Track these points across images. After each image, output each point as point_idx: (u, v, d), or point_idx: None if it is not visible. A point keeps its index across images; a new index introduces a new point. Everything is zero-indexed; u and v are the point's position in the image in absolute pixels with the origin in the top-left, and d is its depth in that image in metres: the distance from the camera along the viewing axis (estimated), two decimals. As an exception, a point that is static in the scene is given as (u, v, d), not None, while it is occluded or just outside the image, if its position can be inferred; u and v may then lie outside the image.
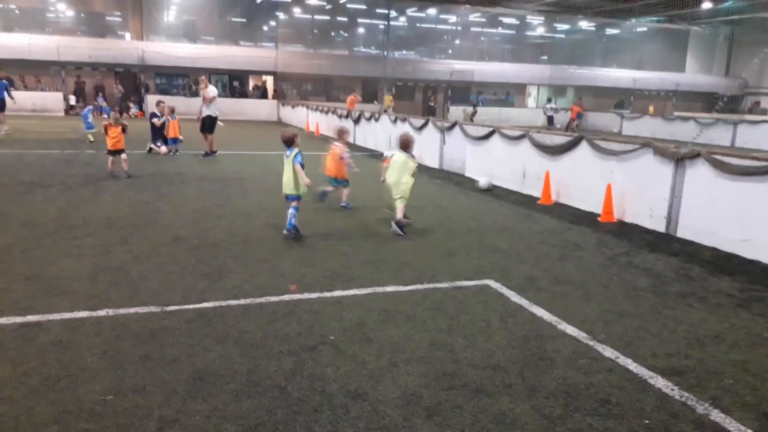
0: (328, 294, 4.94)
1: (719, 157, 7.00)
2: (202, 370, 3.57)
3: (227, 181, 10.62)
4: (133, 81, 31.92)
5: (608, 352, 4.03)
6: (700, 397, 3.45)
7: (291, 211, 6.80)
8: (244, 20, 37.87)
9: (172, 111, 14.71)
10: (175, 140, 14.60)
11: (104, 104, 29.61)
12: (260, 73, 34.64)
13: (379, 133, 17.52)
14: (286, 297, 4.83)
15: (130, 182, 10.16)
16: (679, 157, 7.48)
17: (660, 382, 3.61)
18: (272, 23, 38.02)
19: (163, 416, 3.07)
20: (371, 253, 6.25)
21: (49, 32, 32.20)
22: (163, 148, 14.35)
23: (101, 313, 4.38)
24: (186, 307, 4.55)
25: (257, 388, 3.39)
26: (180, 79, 33.65)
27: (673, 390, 3.52)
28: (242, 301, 4.70)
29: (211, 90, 14.38)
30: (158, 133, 14.52)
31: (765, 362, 3.96)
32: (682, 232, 7.45)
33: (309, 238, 6.76)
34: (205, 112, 14.16)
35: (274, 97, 33.80)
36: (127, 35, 33.43)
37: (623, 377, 3.67)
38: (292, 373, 3.56)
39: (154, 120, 14.50)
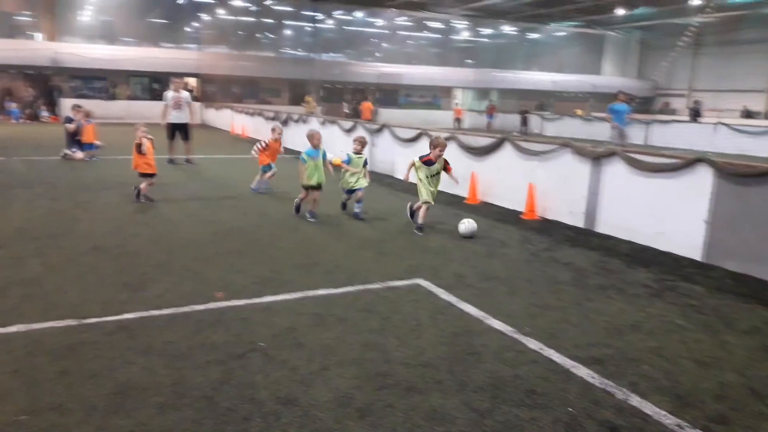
0: (257, 300, 4.86)
1: (633, 155, 7.37)
2: (125, 383, 3.43)
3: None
4: (44, 84, 30.32)
5: (533, 344, 4.16)
6: (619, 383, 3.62)
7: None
8: (165, 21, 36.78)
9: (87, 115, 14.06)
10: (92, 146, 13.96)
11: (14, 107, 28.06)
12: (183, 75, 33.69)
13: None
14: (212, 305, 4.71)
15: (44, 190, 9.63)
16: (596, 155, 7.82)
17: (582, 371, 3.76)
18: (195, 24, 37.11)
19: (82, 434, 2.92)
20: (302, 257, 6.19)
21: (-49, 32, 30.21)
22: (79, 154, 13.69)
23: (12, 329, 4.12)
24: (106, 319, 4.35)
25: (183, 399, 3.28)
26: (97, 82, 32.25)
27: (594, 378, 3.68)
28: (166, 311, 4.54)
29: (187, 94, 13.84)
30: (73, 139, 13.85)
31: (678, 348, 4.20)
32: (601, 228, 7.80)
33: (235, 244, 6.62)
34: (183, 119, 13.49)
35: (197, 100, 32.95)
36: (39, 36, 31.75)
37: (548, 368, 3.80)
38: (220, 383, 3.47)
39: (68, 125, 13.82)
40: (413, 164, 7.74)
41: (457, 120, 32.77)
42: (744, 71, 37.97)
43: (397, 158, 12.55)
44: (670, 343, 4.26)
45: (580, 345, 4.17)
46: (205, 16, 37.12)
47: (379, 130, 13.27)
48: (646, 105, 42.04)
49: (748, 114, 34.05)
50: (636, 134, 25.35)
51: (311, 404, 3.27)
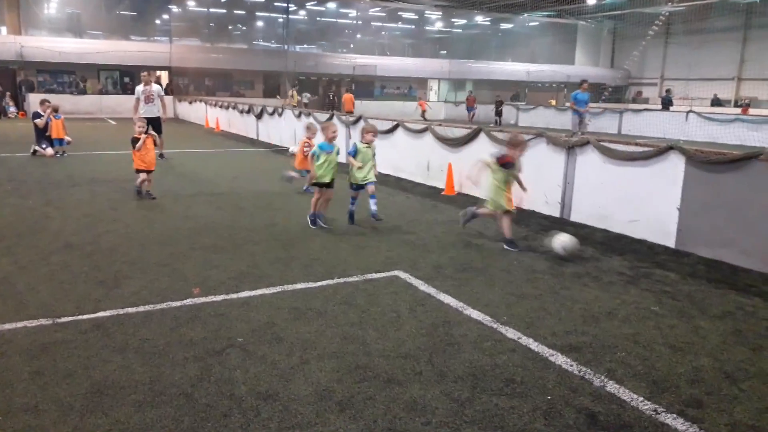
0: (234, 295, 4.81)
1: (606, 144, 7.46)
2: (101, 382, 3.37)
3: (122, 183, 10.06)
4: (11, 79, 29.58)
5: (511, 333, 4.19)
6: (596, 370, 3.67)
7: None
8: (134, 13, 36.14)
9: (55, 110, 13.76)
10: (61, 141, 13.67)
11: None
12: (154, 69, 33.18)
13: (282, 128, 17.27)
14: (189, 301, 4.65)
15: (13, 187, 9.42)
16: (570, 145, 7.90)
17: (560, 359, 3.81)
18: (165, 16, 36.53)
19: (57, 436, 2.87)
20: (280, 251, 6.15)
21: None
22: (49, 150, 13.41)
23: (-17, 330, 4.03)
24: (80, 317, 4.27)
25: (161, 397, 3.24)
26: (66, 77, 31.58)
27: (571, 365, 3.72)
28: (142, 308, 4.48)
29: (158, 87, 13.52)
30: (42, 135, 13.55)
31: (653, 334, 4.26)
32: (576, 216, 7.88)
33: (211, 239, 6.55)
34: (155, 113, 13.20)
35: (169, 93, 32.51)
36: (3, 29, 30.94)
37: (526, 356, 3.84)
38: (198, 379, 3.44)
39: (36, 120, 13.53)
40: (486, 164, 6.47)
41: (422, 113, 32.22)
42: (713, 60, 38.65)
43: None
44: (646, 330, 4.33)
45: (558, 333, 4.21)
46: (175, 8, 36.54)
47: (356, 122, 13.22)
48: (618, 94, 42.55)
49: (717, 102, 34.67)
50: (609, 123, 25.73)
51: (291, 399, 3.26)
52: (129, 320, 4.26)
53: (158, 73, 34.16)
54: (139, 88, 13.28)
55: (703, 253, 6.29)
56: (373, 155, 7.43)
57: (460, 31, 45.51)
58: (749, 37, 37.64)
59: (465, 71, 41.29)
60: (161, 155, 13.28)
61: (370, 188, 7.30)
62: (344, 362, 3.69)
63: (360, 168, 7.29)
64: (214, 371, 3.54)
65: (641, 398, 3.34)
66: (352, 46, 42.47)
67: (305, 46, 40.34)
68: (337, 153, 7.28)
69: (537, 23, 45.26)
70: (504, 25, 45.57)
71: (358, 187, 7.40)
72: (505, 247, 6.43)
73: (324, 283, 5.18)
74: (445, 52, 43.87)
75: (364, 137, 7.40)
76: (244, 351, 3.82)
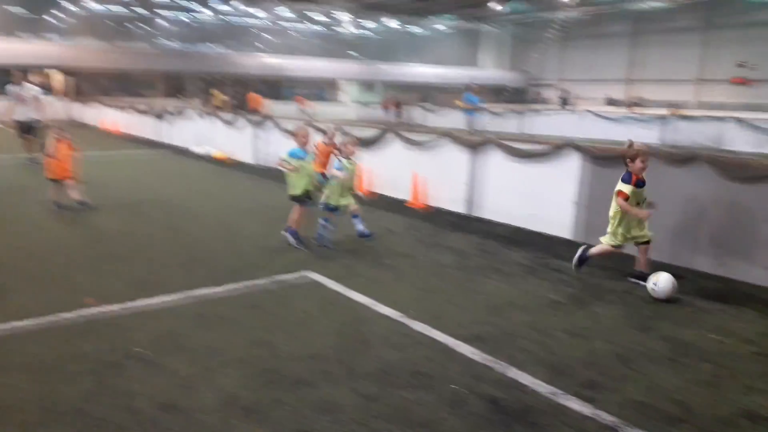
0: (131, 304, 4.57)
1: (508, 143, 7.74)
2: (-19, 404, 3.12)
3: (4, 191, 9.37)
4: None
5: (418, 326, 4.26)
6: (498, 357, 3.79)
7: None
8: (22, 10, 33.81)
9: None
10: None
11: None
12: (45, 68, 31.14)
13: (184, 129, 16.70)
14: (82, 312, 4.38)
15: None
16: (474, 144, 8.13)
17: (464, 349, 3.90)
18: (57, 13, 34.44)
19: (-72, 465, 2.62)
20: (181, 256, 5.93)
21: None
22: None
23: None
24: (-43, 335, 3.93)
25: (51, 414, 3.04)
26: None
27: (475, 354, 3.83)
28: (29, 322, 4.17)
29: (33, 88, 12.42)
30: None
31: (551, 320, 4.46)
32: (480, 212, 8.13)
33: (108, 247, 6.22)
34: (30, 115, 12.05)
35: (62, 94, 30.62)
36: None
37: (432, 348, 3.91)
38: (92, 394, 3.24)
39: None
40: (627, 197, 5.16)
41: (302, 111, 29.38)
42: (606, 63, 41.19)
43: (283, 150, 12.35)
44: (544, 317, 4.53)
45: (463, 324, 4.32)
46: (68, 5, 34.50)
47: (261, 123, 12.99)
48: (519, 95, 44.33)
49: (611, 102, 36.89)
50: (511, 123, 26.75)
51: (194, 408, 3.14)
52: (14, 335, 3.96)
53: (51, 72, 32.13)
54: (11, 88, 12.26)
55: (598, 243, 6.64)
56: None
57: (370, 33, 45.85)
58: (637, 41, 40.34)
59: (375, 73, 41.62)
60: (32, 159, 12.27)
61: (353, 207, 6.47)
62: (251, 367, 3.61)
63: (344, 189, 6.40)
64: (109, 384, 3.36)
65: (540, 382, 3.49)
66: (259, 45, 41.74)
67: (210, 45, 39.22)
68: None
69: (443, 27, 46.36)
70: (412, 29, 46.33)
71: (334, 209, 6.43)
72: (632, 279, 5.41)
73: (230, 287, 5.05)
74: (354, 53, 44.02)
75: (345, 150, 6.41)
76: (143, 362, 3.64)
